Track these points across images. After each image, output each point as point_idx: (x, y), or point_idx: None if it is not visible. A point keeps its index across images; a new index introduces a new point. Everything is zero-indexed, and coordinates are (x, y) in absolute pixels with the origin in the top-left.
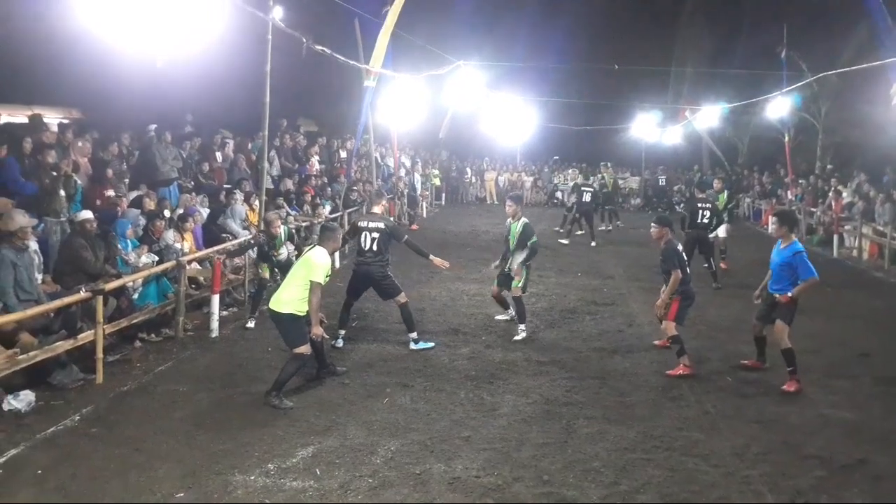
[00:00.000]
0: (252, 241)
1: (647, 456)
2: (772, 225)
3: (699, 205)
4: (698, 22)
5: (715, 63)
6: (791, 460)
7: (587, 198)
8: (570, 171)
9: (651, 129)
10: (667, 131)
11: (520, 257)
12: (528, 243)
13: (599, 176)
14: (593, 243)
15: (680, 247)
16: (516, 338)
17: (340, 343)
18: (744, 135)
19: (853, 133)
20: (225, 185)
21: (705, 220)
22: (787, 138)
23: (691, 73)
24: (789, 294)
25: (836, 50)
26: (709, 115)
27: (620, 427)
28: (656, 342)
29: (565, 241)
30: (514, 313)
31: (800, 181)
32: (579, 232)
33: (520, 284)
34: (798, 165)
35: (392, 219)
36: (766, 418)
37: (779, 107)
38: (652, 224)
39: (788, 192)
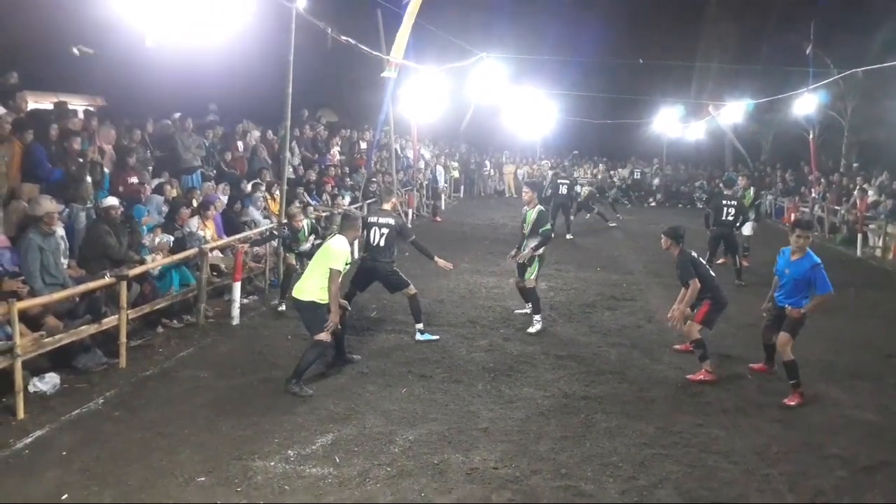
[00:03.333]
0: (275, 233)
1: (665, 451)
2: (800, 237)
3: (724, 202)
4: (724, 17)
5: (740, 59)
6: (812, 460)
7: (563, 190)
8: (543, 161)
9: (674, 124)
10: (689, 126)
11: (532, 243)
12: (540, 230)
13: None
14: (569, 236)
15: (694, 254)
16: (531, 329)
17: (283, 308)
18: (767, 131)
19: (880, 131)
20: (244, 176)
21: (730, 218)
22: (811, 135)
23: (716, 68)
24: (802, 310)
25: (863, 47)
26: (733, 111)
27: (639, 422)
28: (677, 346)
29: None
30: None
31: (822, 179)
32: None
33: (533, 275)
34: (823, 163)
35: (401, 215)
36: (788, 417)
37: (804, 104)
38: (662, 235)
39: (812, 190)
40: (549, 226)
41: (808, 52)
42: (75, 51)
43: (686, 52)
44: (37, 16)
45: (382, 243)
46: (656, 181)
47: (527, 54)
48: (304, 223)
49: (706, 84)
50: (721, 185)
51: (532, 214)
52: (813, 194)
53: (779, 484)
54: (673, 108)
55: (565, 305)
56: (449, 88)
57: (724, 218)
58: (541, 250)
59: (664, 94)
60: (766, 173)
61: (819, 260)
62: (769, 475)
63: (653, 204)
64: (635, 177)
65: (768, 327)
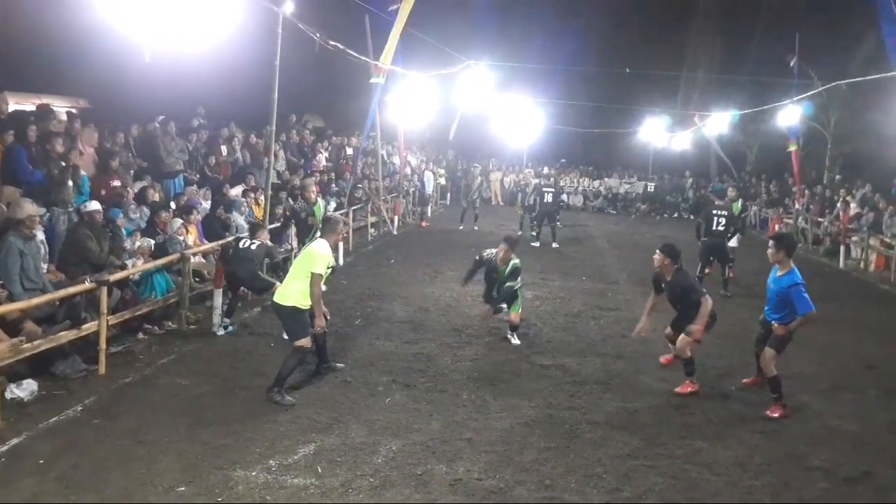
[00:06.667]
0: (287, 213)
1: (649, 463)
2: (770, 249)
3: (714, 212)
4: (709, 28)
5: (725, 70)
6: (795, 471)
7: (548, 198)
8: (526, 170)
9: (660, 133)
10: (676, 136)
11: (513, 283)
12: (513, 283)
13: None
14: (554, 244)
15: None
16: (514, 341)
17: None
18: (752, 142)
19: (862, 143)
20: (228, 180)
21: (720, 228)
22: (795, 147)
23: (702, 78)
24: (789, 327)
25: (847, 59)
26: (718, 122)
27: (623, 433)
28: (662, 359)
29: (536, 244)
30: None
31: (806, 190)
32: (533, 233)
33: (519, 310)
34: (807, 175)
35: (269, 244)
36: (770, 429)
37: (789, 115)
38: (658, 252)
39: (796, 202)
40: (520, 281)
41: (791, 63)
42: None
43: (672, 63)
44: (20, 16)
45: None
46: (641, 191)
47: (514, 62)
48: (319, 200)
49: (692, 94)
50: (710, 194)
51: (508, 269)
52: (797, 206)
53: (762, 496)
54: (659, 118)
55: (550, 315)
56: (436, 95)
57: (714, 228)
58: (518, 283)
59: (651, 103)
60: (751, 184)
61: (800, 280)
62: (752, 486)
63: (637, 214)
64: (625, 187)
65: (759, 341)
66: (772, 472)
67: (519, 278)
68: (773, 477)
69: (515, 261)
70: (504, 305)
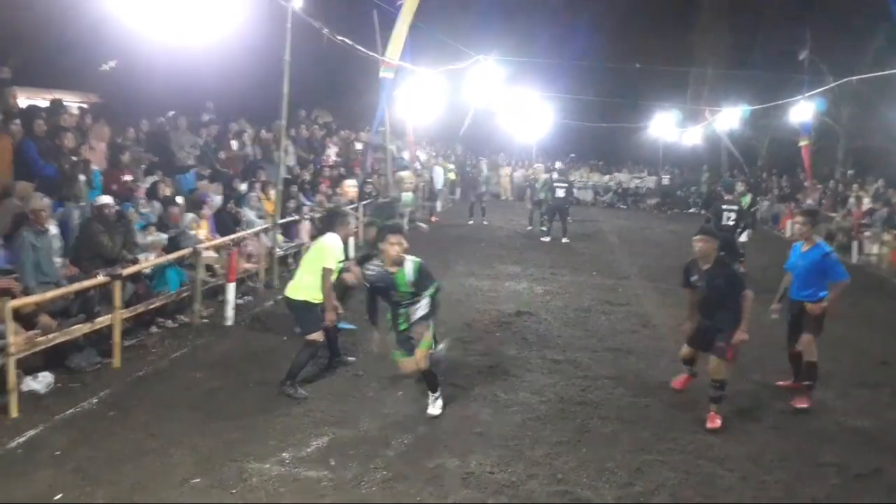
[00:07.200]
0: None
1: (661, 458)
2: (798, 225)
3: (724, 206)
4: (720, 23)
5: (735, 64)
6: (807, 467)
7: (560, 193)
8: (536, 165)
9: (670, 128)
10: (686, 131)
11: (420, 311)
12: (427, 292)
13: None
14: (565, 239)
15: None
16: (431, 411)
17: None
18: (763, 137)
19: (875, 138)
20: (238, 175)
21: (730, 223)
22: (806, 142)
23: (712, 73)
24: (822, 304)
25: (859, 53)
26: (729, 117)
27: (635, 428)
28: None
29: (546, 239)
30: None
31: (818, 185)
32: (543, 228)
33: (428, 346)
34: (818, 170)
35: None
36: (783, 424)
37: (800, 111)
38: (700, 236)
39: (808, 197)
40: (436, 284)
41: (802, 58)
42: (106, 67)
43: (682, 57)
44: (31, 11)
45: None
46: (652, 185)
47: (523, 57)
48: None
49: (702, 89)
50: (720, 189)
51: (407, 274)
52: (809, 201)
53: (774, 491)
54: (669, 113)
55: (561, 309)
56: (445, 90)
57: (724, 223)
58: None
59: (661, 98)
60: (762, 179)
61: (830, 249)
62: (765, 482)
63: (647, 209)
64: (635, 182)
65: (791, 336)
66: (784, 467)
67: (432, 284)
68: (784, 473)
69: (414, 259)
70: (422, 333)
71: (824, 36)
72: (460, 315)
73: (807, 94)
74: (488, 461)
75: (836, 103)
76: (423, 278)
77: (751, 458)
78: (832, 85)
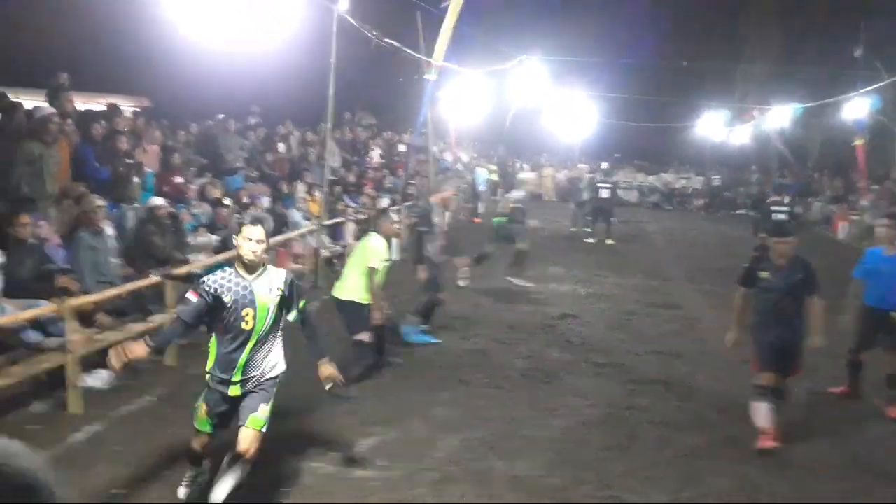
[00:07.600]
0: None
1: (711, 464)
2: (883, 228)
3: (773, 208)
4: (769, 20)
5: (786, 62)
6: (864, 477)
7: (605, 194)
8: (580, 165)
9: (718, 127)
10: (734, 131)
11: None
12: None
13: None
14: (609, 241)
15: None
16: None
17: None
18: (815, 137)
19: None
20: (285, 177)
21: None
22: (861, 142)
23: (761, 71)
24: None
25: None
26: (778, 116)
27: (685, 434)
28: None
29: (591, 240)
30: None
31: (873, 186)
32: (587, 229)
33: (261, 424)
34: (873, 170)
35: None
36: (841, 432)
37: (854, 109)
38: (786, 238)
39: (862, 198)
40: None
41: (857, 54)
42: None
43: (731, 55)
44: (88, 20)
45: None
46: (699, 186)
47: (567, 56)
48: None
49: (750, 87)
50: (769, 191)
51: (276, 291)
52: (863, 202)
53: (830, 500)
54: (717, 112)
55: (605, 312)
56: (488, 92)
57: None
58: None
59: (708, 97)
60: (814, 180)
61: None
62: (819, 492)
63: (693, 209)
64: (682, 182)
65: (863, 346)
66: (840, 476)
67: (300, 300)
68: (841, 482)
69: (280, 274)
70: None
71: (878, 32)
72: (502, 316)
73: (861, 91)
74: (536, 465)
75: (893, 101)
76: (290, 298)
77: (805, 466)
78: (888, 81)
